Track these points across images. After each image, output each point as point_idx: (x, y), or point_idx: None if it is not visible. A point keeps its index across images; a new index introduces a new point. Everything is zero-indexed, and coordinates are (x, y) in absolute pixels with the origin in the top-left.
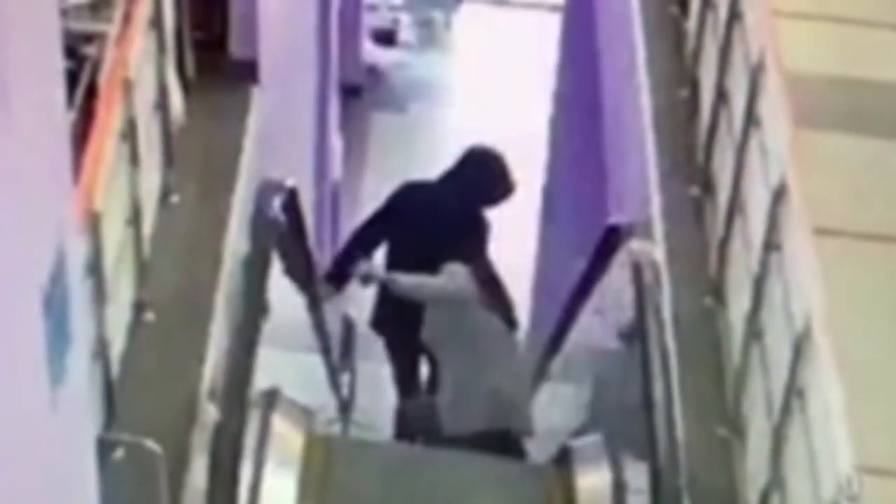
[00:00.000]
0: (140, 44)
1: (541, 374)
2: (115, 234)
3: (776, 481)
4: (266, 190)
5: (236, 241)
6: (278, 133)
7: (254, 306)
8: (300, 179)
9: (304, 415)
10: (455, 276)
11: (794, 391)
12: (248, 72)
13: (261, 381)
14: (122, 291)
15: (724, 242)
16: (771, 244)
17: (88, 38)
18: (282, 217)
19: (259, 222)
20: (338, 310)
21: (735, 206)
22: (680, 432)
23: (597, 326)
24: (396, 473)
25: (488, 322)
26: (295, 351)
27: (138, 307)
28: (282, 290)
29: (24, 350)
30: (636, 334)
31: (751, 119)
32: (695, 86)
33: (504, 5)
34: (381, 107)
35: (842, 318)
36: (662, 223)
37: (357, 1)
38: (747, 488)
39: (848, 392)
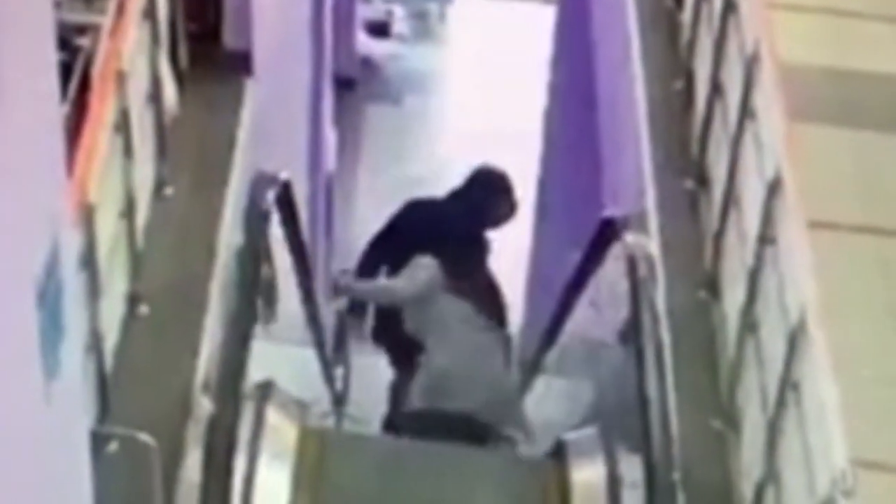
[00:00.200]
0: (133, 35)
1: (535, 367)
2: (108, 227)
3: (771, 474)
4: (260, 182)
5: (230, 233)
6: (272, 125)
7: (248, 299)
8: (294, 171)
9: (298, 408)
10: (417, 269)
11: (788, 384)
12: (241, 63)
13: (255, 374)
14: (116, 284)
15: (719, 235)
16: (765, 237)
17: (82, 29)
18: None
19: (253, 215)
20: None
21: (730, 198)
22: (675, 425)
23: (592, 319)
24: (390, 467)
25: (459, 308)
26: (289, 344)
27: (132, 300)
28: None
29: (18, 343)
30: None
31: (746, 111)
32: (689, 78)
33: None
34: (375, 99)
35: (836, 310)
36: (657, 216)
37: None
38: (742, 481)
39: (842, 385)
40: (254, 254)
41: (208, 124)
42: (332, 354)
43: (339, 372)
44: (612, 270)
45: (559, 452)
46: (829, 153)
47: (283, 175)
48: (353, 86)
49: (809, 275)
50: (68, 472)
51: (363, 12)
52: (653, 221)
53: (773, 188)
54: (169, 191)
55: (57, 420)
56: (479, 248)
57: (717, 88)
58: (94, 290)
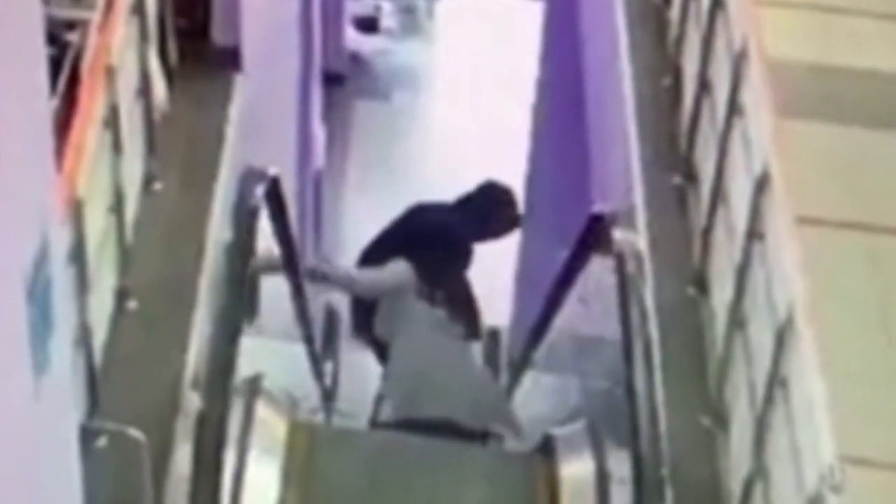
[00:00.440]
0: (122, 31)
1: (524, 363)
2: (97, 222)
3: (759, 471)
4: (249, 178)
5: (219, 228)
6: (261, 120)
7: (237, 294)
8: (283, 167)
9: (288, 403)
10: (385, 270)
11: (776, 381)
12: (230, 59)
13: (244, 369)
14: (105, 279)
15: (707, 231)
16: (754, 233)
17: (71, 24)
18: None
19: (242, 210)
20: (320, 299)
21: (718, 194)
22: (663, 421)
23: (581, 315)
24: (379, 461)
25: (429, 314)
26: (278, 339)
27: (121, 295)
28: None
29: (7, 338)
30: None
31: (733, 107)
32: (677, 74)
33: None
34: (364, 95)
35: (824, 306)
36: (645, 212)
37: None
38: (730, 478)
39: (831, 381)
40: (243, 249)
41: (197, 120)
42: (322, 350)
43: (328, 367)
44: (600, 266)
45: (547, 447)
46: (817, 149)
47: (272, 170)
48: (341, 81)
49: (797, 271)
50: (57, 467)
51: (351, 8)
52: (641, 218)
53: (761, 184)
54: (158, 186)
55: (46, 415)
56: (463, 258)
57: (704, 85)
58: (83, 285)
